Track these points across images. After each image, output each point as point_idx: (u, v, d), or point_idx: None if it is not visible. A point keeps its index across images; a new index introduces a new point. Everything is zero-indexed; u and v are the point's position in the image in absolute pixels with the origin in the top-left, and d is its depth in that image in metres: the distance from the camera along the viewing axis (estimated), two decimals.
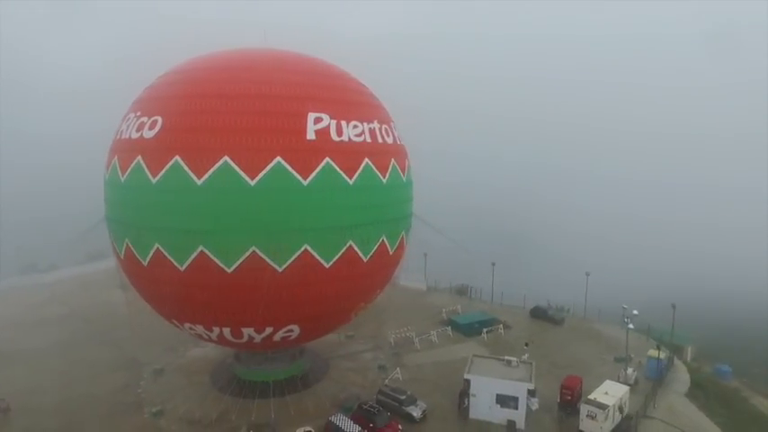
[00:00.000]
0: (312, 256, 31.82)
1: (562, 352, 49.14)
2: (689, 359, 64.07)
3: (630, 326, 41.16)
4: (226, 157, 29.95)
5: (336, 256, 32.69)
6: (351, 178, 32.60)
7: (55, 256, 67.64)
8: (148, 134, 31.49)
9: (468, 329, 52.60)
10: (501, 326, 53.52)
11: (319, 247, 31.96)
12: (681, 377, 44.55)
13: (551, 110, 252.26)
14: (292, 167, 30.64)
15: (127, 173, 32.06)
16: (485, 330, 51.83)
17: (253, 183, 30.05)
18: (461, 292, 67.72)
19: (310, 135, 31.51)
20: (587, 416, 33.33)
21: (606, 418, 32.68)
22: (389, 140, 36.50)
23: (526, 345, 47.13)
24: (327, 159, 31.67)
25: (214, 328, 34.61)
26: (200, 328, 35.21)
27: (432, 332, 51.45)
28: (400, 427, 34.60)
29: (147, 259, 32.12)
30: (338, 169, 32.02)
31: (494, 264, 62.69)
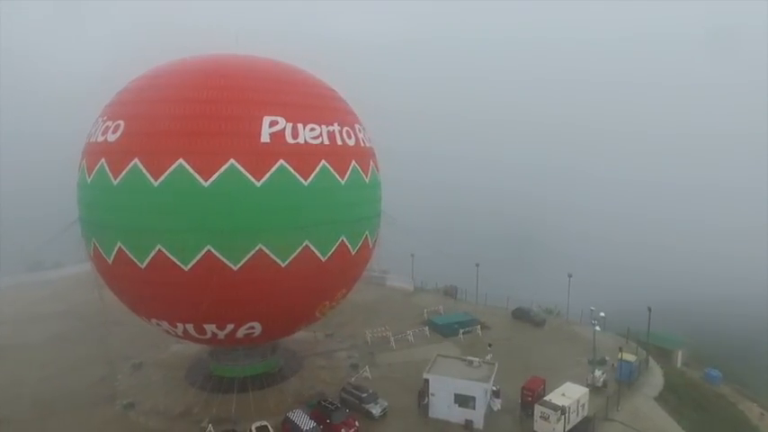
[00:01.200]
0: (267, 256, 32.71)
1: (537, 353, 48.97)
2: (679, 363, 63.26)
3: (597, 328, 40.94)
4: (181, 160, 31.11)
5: (292, 256, 33.51)
6: (306, 179, 33.41)
7: (53, 254, 70.14)
8: (111, 138, 32.92)
9: (446, 330, 52.88)
10: (479, 327, 53.60)
11: (274, 246, 32.82)
12: (653, 381, 43.98)
13: (550, 111, 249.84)
14: (245, 169, 31.61)
15: (92, 175, 33.58)
16: (461, 331, 52.00)
17: (206, 184, 31.11)
18: (449, 293, 67.81)
19: (265, 138, 32.45)
20: (540, 417, 33.38)
21: (559, 420, 32.67)
22: (351, 142, 37.13)
23: (489, 345, 47.19)
24: (281, 161, 32.56)
25: (178, 324, 35.89)
26: (165, 324, 36.54)
27: (408, 332, 51.90)
28: (357, 423, 35.18)
29: (112, 257, 33.55)
30: (292, 171, 32.86)
31: (477, 265, 62.70)
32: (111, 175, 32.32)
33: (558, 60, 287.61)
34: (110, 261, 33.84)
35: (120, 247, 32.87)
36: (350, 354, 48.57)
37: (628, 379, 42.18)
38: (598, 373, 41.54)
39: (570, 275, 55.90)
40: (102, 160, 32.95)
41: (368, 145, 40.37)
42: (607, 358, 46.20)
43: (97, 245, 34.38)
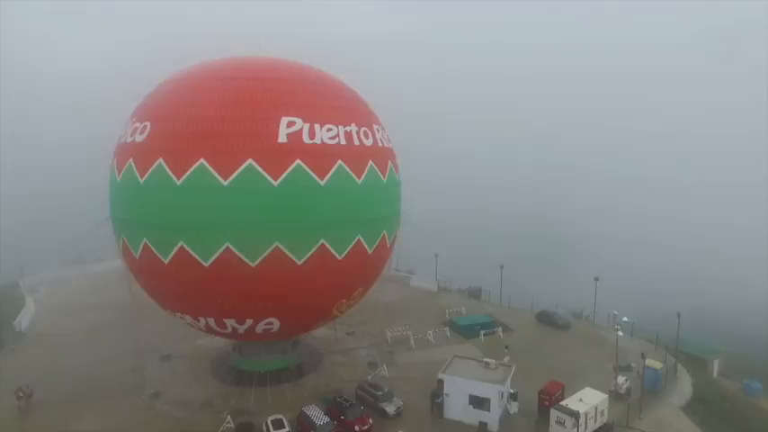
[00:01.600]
0: (283, 253, 33.50)
1: (560, 357, 47.92)
2: (715, 373, 60.58)
3: (620, 333, 39.68)
4: (202, 160, 32.29)
5: (308, 254, 34.19)
6: (322, 179, 34.00)
7: (93, 249, 73.72)
8: (139, 138, 34.52)
9: (467, 331, 52.52)
10: (500, 329, 52.95)
11: (290, 244, 33.58)
12: (681, 390, 42.26)
13: (575, 111, 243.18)
14: (263, 169, 32.50)
15: (121, 174, 35.28)
16: (482, 333, 51.51)
17: (226, 183, 32.18)
18: (473, 294, 67.19)
19: (282, 138, 33.25)
20: (556, 422, 32.74)
21: (575, 426, 31.95)
22: (368, 142, 37.51)
23: (506, 348, 46.51)
24: (298, 161, 33.26)
25: (200, 318, 37.23)
26: (188, 318, 37.96)
27: (428, 332, 51.84)
28: (371, 421, 35.50)
29: (138, 253, 35.17)
30: (309, 170, 33.52)
31: (502, 266, 61.90)
32: (138, 173, 33.88)
33: (580, 60, 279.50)
34: (137, 256, 35.47)
35: (145, 243, 34.42)
36: (369, 352, 48.97)
37: (653, 387, 40.72)
38: (621, 379, 40.30)
39: (597, 278, 54.39)
40: (131, 160, 34.57)
41: (386, 145, 40.63)
42: (633, 365, 44.71)
43: (126, 241, 36.11)
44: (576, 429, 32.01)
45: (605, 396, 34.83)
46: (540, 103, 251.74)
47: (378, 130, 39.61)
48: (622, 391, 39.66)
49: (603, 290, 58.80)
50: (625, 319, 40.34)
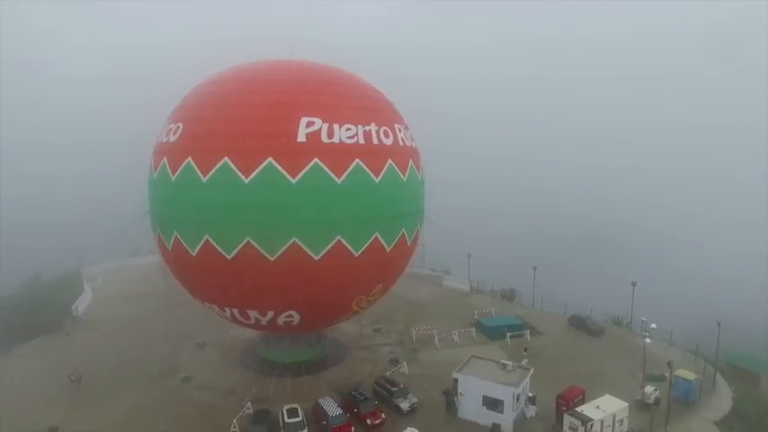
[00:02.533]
0: (301, 249, 34.80)
1: (589, 363, 46.32)
2: None
3: (647, 340, 37.86)
4: (226, 158, 34.19)
5: (325, 250, 35.31)
6: (339, 177, 35.01)
7: (149, 242, 78.54)
8: (172, 138, 37.02)
9: (493, 332, 51.84)
10: (528, 332, 51.85)
11: (308, 240, 34.85)
12: (718, 404, 39.67)
13: (606, 109, 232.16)
14: (282, 167, 33.96)
15: (157, 172, 37.95)
16: (509, 335, 50.67)
17: (247, 181, 33.90)
18: (506, 296, 65.96)
19: (301, 138, 34.57)
20: (569, 428, 31.91)
21: None
22: (388, 141, 38.11)
23: (525, 350, 45.45)
24: (316, 160, 34.48)
25: (226, 309, 39.33)
26: (216, 308, 40.19)
27: (454, 332, 51.66)
28: (383, 415, 36.09)
29: (170, 245, 37.71)
30: (326, 169, 34.64)
31: (535, 268, 60.42)
32: (170, 171, 36.34)
33: (600, 58, 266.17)
34: (169, 248, 38.04)
35: (176, 237, 36.88)
36: (393, 349, 49.52)
37: (685, 399, 38.59)
38: (649, 389, 38.47)
39: (634, 283, 51.99)
40: (165, 159, 37.11)
41: (409, 144, 41.06)
42: (666, 375, 42.42)
43: (161, 234, 38.78)
44: None
45: (625, 405, 33.48)
46: (566, 102, 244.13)
47: (400, 130, 40.10)
48: (650, 400, 37.87)
49: (645, 295, 56.08)
50: (653, 325, 38.40)
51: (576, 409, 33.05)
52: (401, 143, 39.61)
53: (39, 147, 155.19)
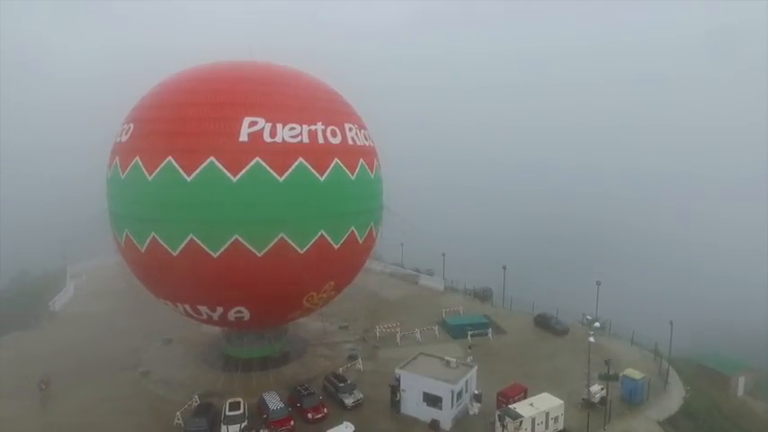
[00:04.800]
0: (243, 246, 35.54)
1: (547, 363, 46.39)
2: (740, 392, 55.70)
3: (591, 339, 37.76)
4: (170, 158, 35.10)
5: (268, 247, 36.00)
6: (281, 176, 35.68)
7: None
8: (123, 139, 38.13)
9: (456, 331, 52.05)
10: (490, 331, 51.94)
11: (250, 237, 35.57)
12: (667, 404, 39.37)
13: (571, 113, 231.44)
14: (223, 166, 34.73)
15: (111, 170, 39.11)
16: (470, 333, 50.81)
17: (189, 179, 34.75)
18: (480, 295, 65.89)
19: (243, 137, 35.33)
20: (501, 424, 32.09)
21: (517, 429, 31.19)
22: (335, 140, 38.64)
23: (470, 348, 45.61)
24: (257, 159, 35.20)
25: (178, 304, 40.28)
26: (170, 304, 41.16)
27: (416, 330, 52.00)
28: (326, 410, 36.65)
29: (123, 242, 38.82)
30: (268, 168, 35.34)
31: (504, 267, 60.44)
32: (120, 170, 37.45)
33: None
34: (122, 244, 39.23)
35: (126, 233, 37.97)
36: (354, 346, 50.03)
37: (630, 398, 38.47)
38: (595, 388, 38.41)
39: (599, 283, 51.77)
40: (117, 158, 38.24)
41: (361, 143, 41.54)
42: (620, 374, 42.30)
43: (115, 232, 39.87)
44: None
45: (560, 402, 33.52)
46: (539, 107, 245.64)
47: (350, 129, 40.58)
48: (595, 399, 37.82)
49: (614, 295, 55.84)
50: (597, 324, 38.39)
51: (510, 406, 33.21)
52: (351, 142, 40.07)
53: (38, 149, 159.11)
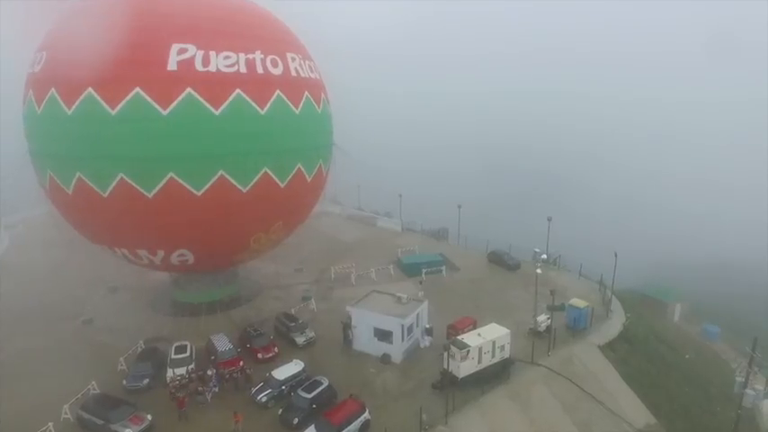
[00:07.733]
0: (180, 184, 33.38)
1: (498, 296, 47.47)
2: (676, 318, 59.20)
3: (538, 270, 38.50)
4: (90, 89, 31.82)
5: (207, 185, 33.98)
6: (217, 109, 33.12)
7: None
8: (36, 69, 34.22)
9: (410, 269, 52.32)
10: (444, 268, 52.46)
11: (186, 175, 33.38)
12: (608, 330, 41.14)
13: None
14: (151, 98, 31.82)
15: (26, 105, 35.36)
16: (424, 271, 51.18)
17: (114, 113, 31.77)
18: (437, 235, 66.31)
19: (172, 66, 32.21)
20: (449, 354, 32.61)
21: (464, 359, 31.81)
22: (276, 71, 36.00)
23: (420, 283, 46.23)
24: (189, 90, 32.38)
25: (116, 249, 38.20)
26: (107, 249, 39.00)
27: (371, 269, 51.94)
28: (276, 350, 36.42)
29: (47, 183, 35.85)
30: (201, 99, 32.65)
31: (459, 206, 60.48)
32: (36, 104, 33.87)
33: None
34: (46, 184, 36.16)
35: (50, 175, 35.02)
36: (308, 288, 49.61)
37: (574, 325, 39.98)
38: (542, 317, 39.56)
39: (550, 218, 52.45)
40: (31, 91, 34.49)
41: (306, 75, 38.97)
42: (566, 305, 43.75)
43: (35, 167, 36.62)
44: (465, 362, 31.89)
45: (507, 332, 34.25)
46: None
47: (293, 59, 37.81)
48: (541, 329, 39.05)
49: (568, 230, 57.00)
50: (544, 256, 39.08)
51: (458, 337, 33.74)
52: (294, 73, 37.48)
53: None
